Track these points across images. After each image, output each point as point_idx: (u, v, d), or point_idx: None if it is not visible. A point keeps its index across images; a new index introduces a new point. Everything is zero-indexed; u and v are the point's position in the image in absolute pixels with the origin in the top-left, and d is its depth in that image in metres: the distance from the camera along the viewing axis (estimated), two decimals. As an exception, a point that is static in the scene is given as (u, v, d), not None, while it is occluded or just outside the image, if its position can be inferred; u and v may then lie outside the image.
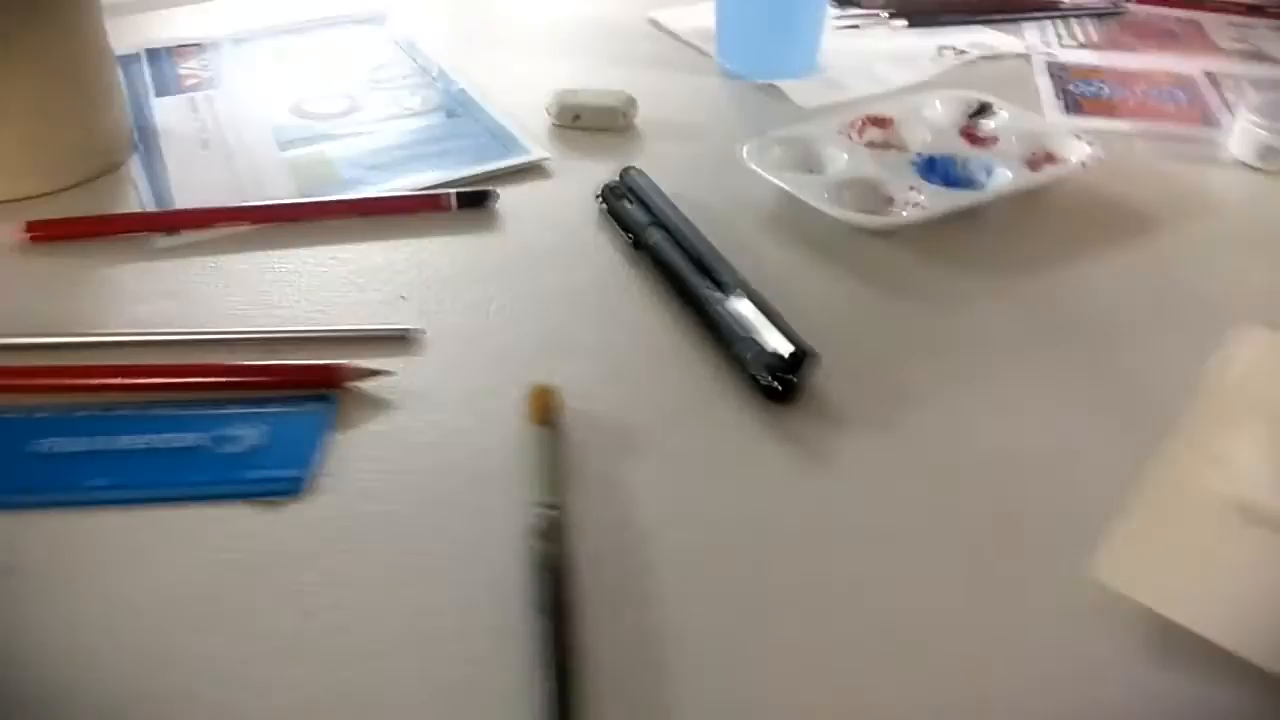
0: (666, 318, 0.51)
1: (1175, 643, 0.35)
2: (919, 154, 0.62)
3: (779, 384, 0.45)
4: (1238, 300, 0.53)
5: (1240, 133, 0.65)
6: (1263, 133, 0.64)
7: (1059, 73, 0.76)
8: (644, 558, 0.39)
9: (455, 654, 0.35)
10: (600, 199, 0.60)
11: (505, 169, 0.64)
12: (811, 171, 0.62)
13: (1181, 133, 0.69)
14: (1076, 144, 0.62)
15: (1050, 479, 0.43)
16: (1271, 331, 0.48)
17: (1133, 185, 0.62)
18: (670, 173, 0.61)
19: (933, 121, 0.66)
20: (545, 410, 0.44)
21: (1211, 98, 0.73)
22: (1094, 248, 0.57)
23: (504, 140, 0.67)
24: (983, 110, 0.67)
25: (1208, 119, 0.70)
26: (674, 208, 0.57)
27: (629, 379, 0.48)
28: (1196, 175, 0.64)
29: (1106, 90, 0.73)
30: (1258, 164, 0.64)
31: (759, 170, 0.60)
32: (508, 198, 0.61)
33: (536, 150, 0.66)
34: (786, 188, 0.58)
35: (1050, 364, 0.49)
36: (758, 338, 0.47)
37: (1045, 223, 0.59)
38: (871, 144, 0.64)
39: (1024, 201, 0.59)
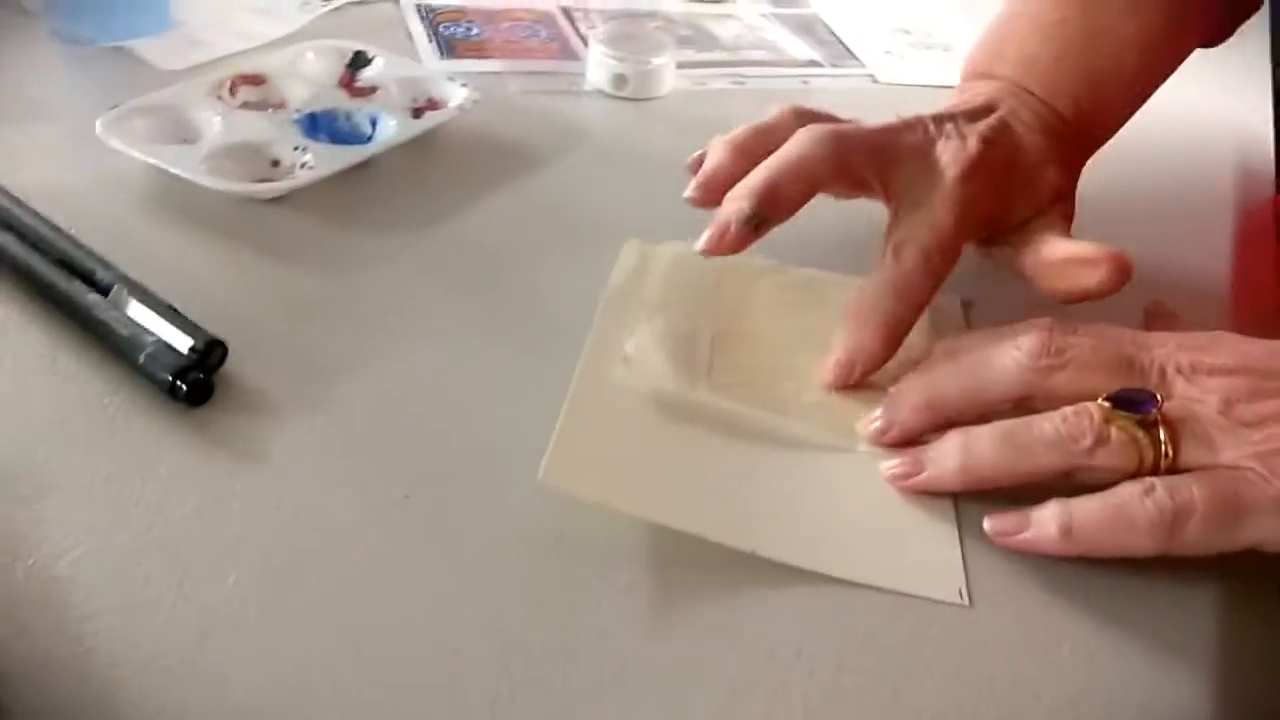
0: (36, 335, 0.44)
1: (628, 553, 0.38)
2: (300, 111, 0.60)
3: (186, 384, 0.41)
4: (617, 217, 0.57)
5: (595, 63, 0.71)
6: (612, 61, 0.69)
7: (429, 15, 0.77)
8: (76, 610, 0.33)
9: None
10: (-78, 203, 0.50)
11: None
12: (185, 141, 0.56)
13: (547, 68, 0.73)
14: (454, 88, 0.63)
15: (491, 418, 0.43)
16: (645, 243, 0.53)
17: (511, 123, 0.65)
18: (11, 162, 0.52)
19: (310, 75, 0.64)
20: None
21: (569, 32, 0.78)
22: (485, 188, 0.58)
23: None
24: (359, 60, 0.66)
25: (567, 52, 0.75)
26: (21, 203, 0.49)
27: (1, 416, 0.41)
28: (565, 107, 0.69)
29: (476, 30, 0.76)
30: (613, 91, 0.70)
31: (121, 147, 0.53)
32: None
33: None
34: (157, 162, 0.53)
35: (468, 308, 0.49)
36: (152, 337, 0.42)
37: (436, 170, 0.60)
38: (247, 104, 0.60)
39: (412, 150, 0.59)
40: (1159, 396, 0.39)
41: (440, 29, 0.75)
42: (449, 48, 0.73)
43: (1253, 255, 0.64)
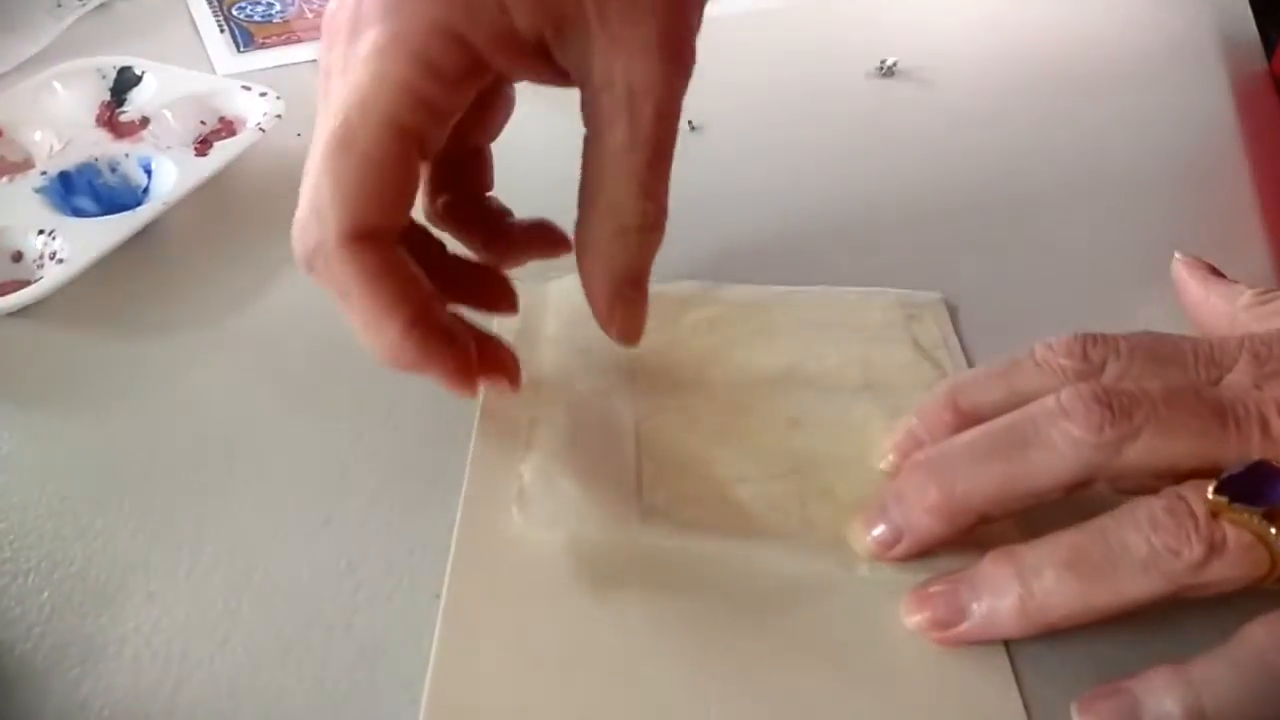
0: None
1: None
2: (45, 173, 0.44)
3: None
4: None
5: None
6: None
7: (218, -4, 0.61)
8: None
9: None
10: None
11: None
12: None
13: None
14: (251, 99, 0.48)
15: (343, 636, 0.31)
16: (529, 286, 0.40)
17: None
18: None
19: (58, 116, 0.48)
20: None
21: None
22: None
23: None
24: (124, 81, 0.50)
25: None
26: None
27: None
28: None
29: (278, 8, 0.60)
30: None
31: None
32: None
33: None
34: None
35: (301, 432, 0.36)
36: None
37: (237, 224, 0.45)
38: (-28, 174, 0.45)
39: (204, 201, 0.44)
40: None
41: (233, 12, 0.59)
42: (246, 37, 0.57)
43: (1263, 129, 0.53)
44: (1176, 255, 0.41)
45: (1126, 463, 0.28)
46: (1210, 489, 0.27)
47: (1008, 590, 0.28)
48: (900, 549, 0.31)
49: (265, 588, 0.31)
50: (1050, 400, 0.29)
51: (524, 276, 0.38)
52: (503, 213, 0.37)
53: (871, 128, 0.52)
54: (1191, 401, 0.29)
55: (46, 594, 0.31)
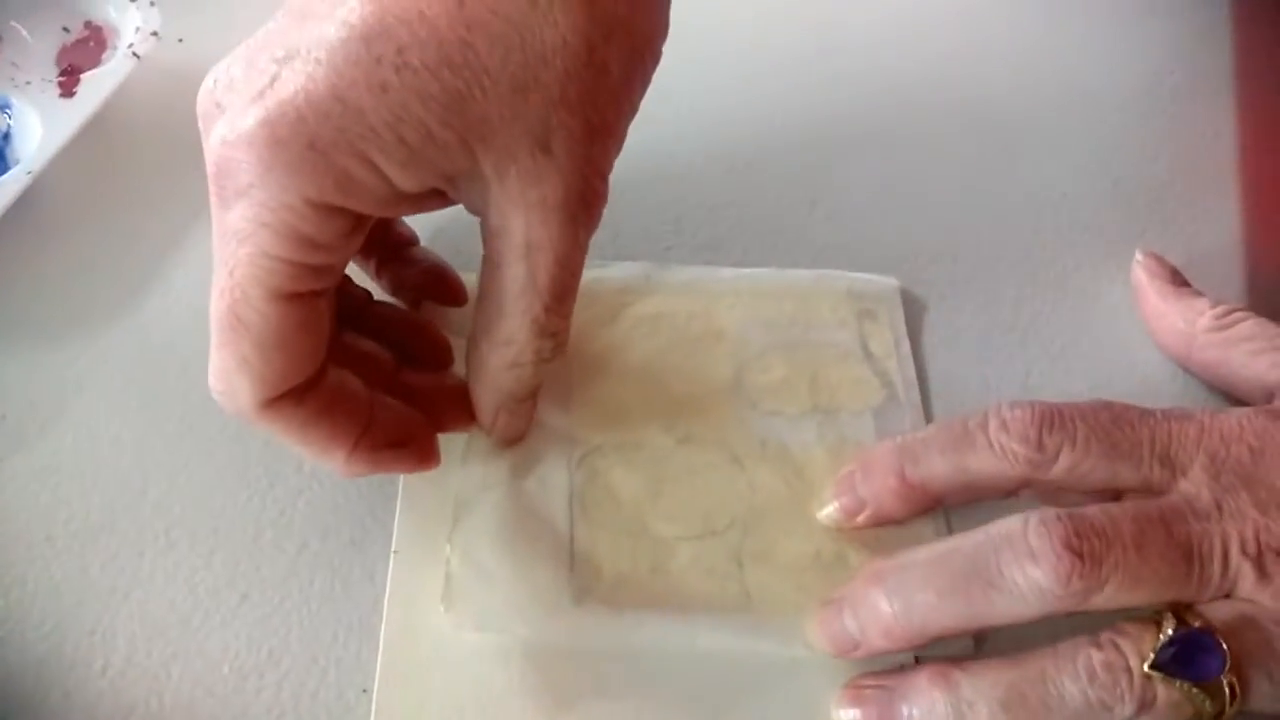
0: None
1: None
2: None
3: None
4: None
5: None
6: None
7: None
8: None
9: None
10: None
11: None
12: None
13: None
14: (124, 6, 0.41)
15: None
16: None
17: None
18: None
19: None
20: None
21: None
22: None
23: None
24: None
25: None
26: None
27: None
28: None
29: None
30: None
31: None
32: None
33: None
34: None
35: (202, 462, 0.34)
36: None
37: (124, 176, 0.40)
38: None
39: (81, 153, 0.39)
40: (1220, 642, 0.27)
41: None
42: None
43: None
44: (1137, 256, 0.39)
45: (1089, 607, 0.28)
46: (1145, 664, 0.27)
47: (940, 714, 0.28)
48: (856, 654, 0.31)
49: (185, 684, 0.30)
50: (1017, 534, 0.28)
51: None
52: (409, 241, 0.34)
53: (827, 83, 0.47)
54: (1162, 543, 0.28)
55: (-49, 702, 0.30)
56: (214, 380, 0.27)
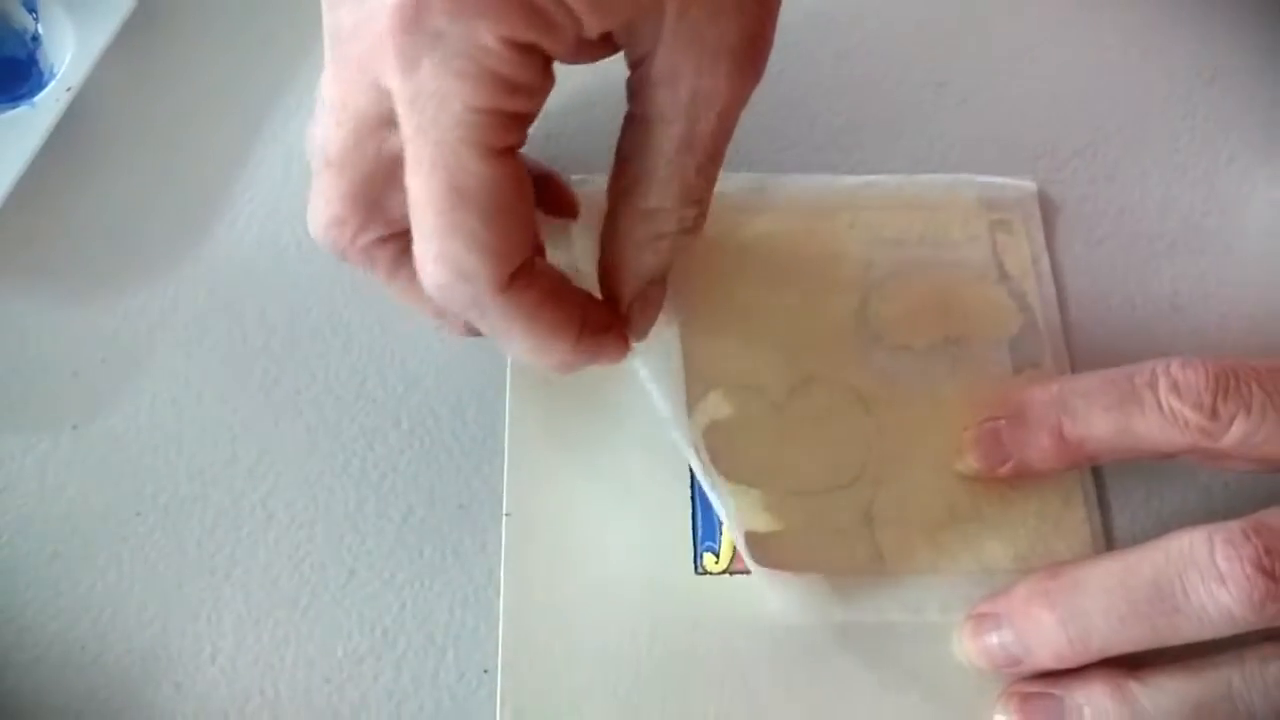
0: None
1: None
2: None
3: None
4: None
5: None
6: None
7: None
8: None
9: None
10: None
11: None
12: None
13: None
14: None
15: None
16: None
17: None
18: None
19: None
20: None
21: None
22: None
23: None
24: None
25: None
26: None
27: None
28: None
29: None
30: None
31: None
32: None
33: None
34: None
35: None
36: None
37: (173, 78, 0.36)
38: None
39: (121, 55, 0.34)
40: None
41: None
42: None
43: None
44: None
45: None
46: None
47: None
48: (1016, 670, 0.29)
49: (300, 670, 0.29)
50: (1203, 555, 0.26)
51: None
52: None
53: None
54: None
55: (61, 697, 0.28)
56: (438, 274, 0.24)
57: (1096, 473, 0.32)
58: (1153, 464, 0.31)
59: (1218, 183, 0.37)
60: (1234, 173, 0.37)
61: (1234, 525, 0.26)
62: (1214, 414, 0.28)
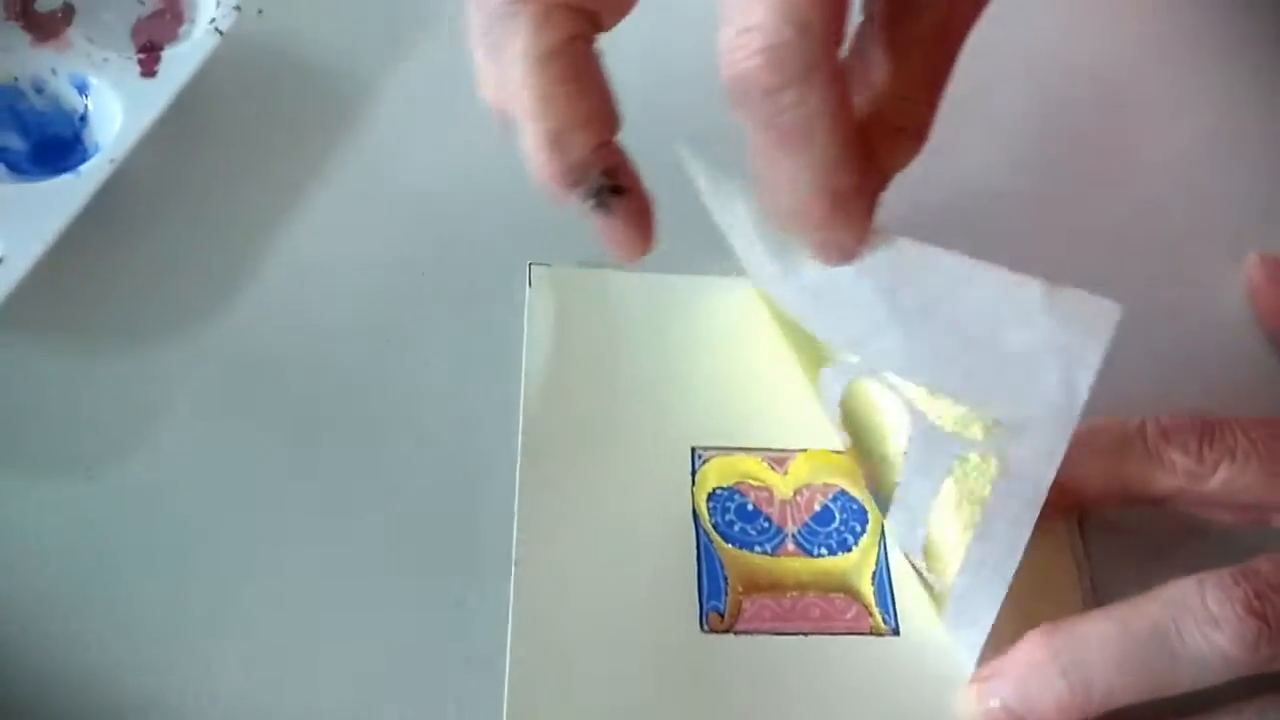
0: None
1: None
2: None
3: None
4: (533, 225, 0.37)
5: None
6: None
7: None
8: None
9: None
10: None
11: None
12: None
13: None
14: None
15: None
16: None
17: (321, 33, 0.41)
18: None
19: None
20: None
21: None
22: (306, 177, 0.37)
23: None
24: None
25: None
26: None
27: None
28: None
29: None
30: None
31: None
32: None
33: None
34: None
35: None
36: None
37: (207, 160, 0.38)
38: None
39: (161, 136, 0.36)
40: None
41: None
42: None
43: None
44: (1252, 256, 0.37)
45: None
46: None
47: None
48: None
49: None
50: (1194, 600, 0.26)
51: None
52: None
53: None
54: None
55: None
56: (536, 149, 0.25)
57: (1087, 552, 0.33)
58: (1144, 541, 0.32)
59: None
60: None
61: (1223, 572, 0.27)
62: (1200, 458, 0.29)
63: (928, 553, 0.30)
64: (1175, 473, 0.29)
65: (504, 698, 0.29)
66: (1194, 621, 0.26)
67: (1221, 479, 0.29)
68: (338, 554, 0.31)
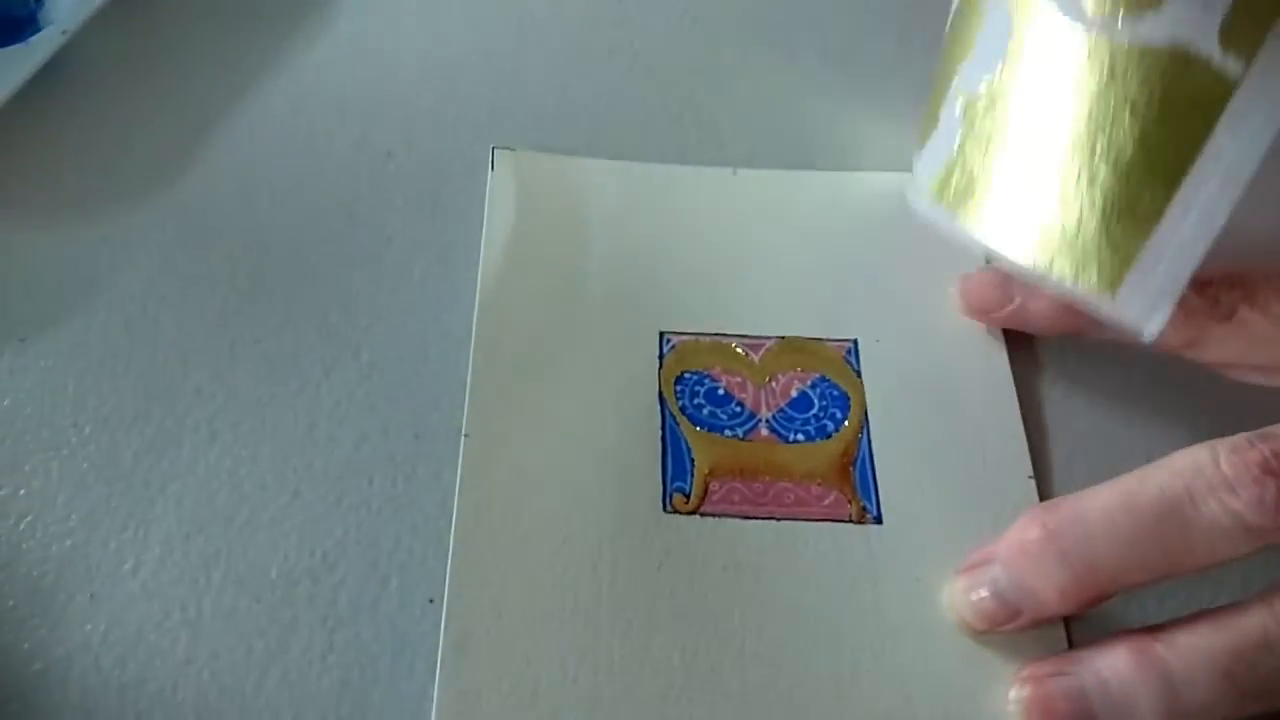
0: None
1: None
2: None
3: None
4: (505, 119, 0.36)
5: None
6: None
7: None
8: None
9: None
10: None
11: None
12: None
13: None
14: None
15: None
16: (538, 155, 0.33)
17: None
18: None
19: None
20: None
21: None
22: (271, 60, 0.36)
23: None
24: None
25: None
26: None
27: None
28: None
29: None
30: None
31: None
32: None
33: None
34: None
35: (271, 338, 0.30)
36: None
37: (164, 34, 0.36)
38: None
39: (118, 10, 0.35)
40: None
41: None
42: None
43: None
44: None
45: None
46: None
47: (1149, 707, 0.24)
48: (1017, 624, 0.26)
49: (227, 588, 0.26)
50: (1208, 464, 0.23)
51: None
52: None
53: None
54: None
55: (-36, 600, 0.26)
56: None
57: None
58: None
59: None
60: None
61: (1239, 436, 0.24)
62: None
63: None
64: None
65: (447, 570, 0.27)
66: (1207, 486, 0.23)
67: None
68: (282, 424, 0.29)
